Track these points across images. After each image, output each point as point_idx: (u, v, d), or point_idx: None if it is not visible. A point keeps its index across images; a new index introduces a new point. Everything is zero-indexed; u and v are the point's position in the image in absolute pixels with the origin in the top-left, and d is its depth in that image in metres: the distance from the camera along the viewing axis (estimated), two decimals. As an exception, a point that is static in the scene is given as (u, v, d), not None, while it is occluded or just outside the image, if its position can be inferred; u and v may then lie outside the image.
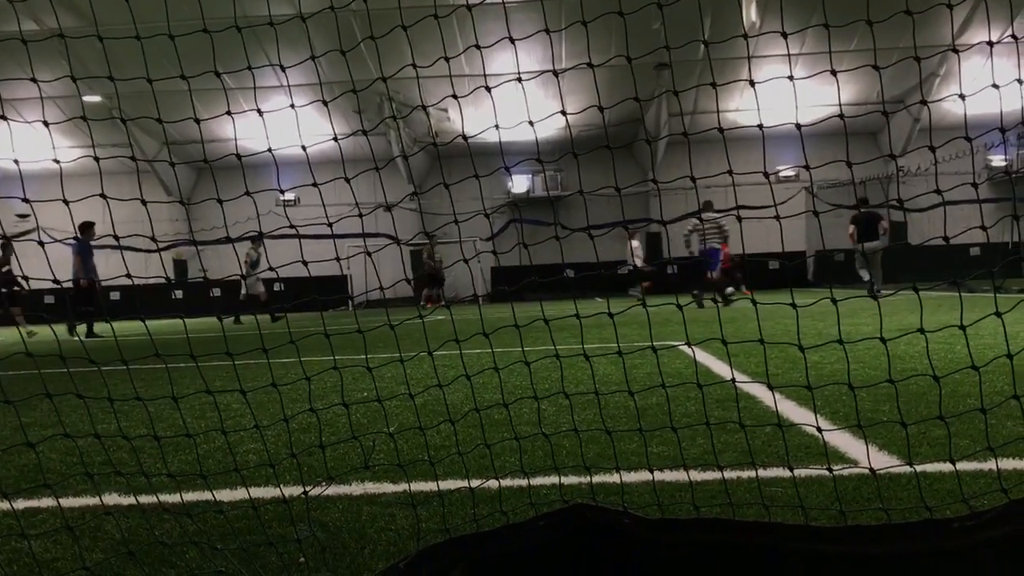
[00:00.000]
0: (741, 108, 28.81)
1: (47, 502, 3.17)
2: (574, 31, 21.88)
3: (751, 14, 21.62)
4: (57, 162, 2.35)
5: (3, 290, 16.73)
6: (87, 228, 16.58)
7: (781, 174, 30.05)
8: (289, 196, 30.54)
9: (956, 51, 2.18)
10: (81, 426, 4.89)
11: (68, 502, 3.17)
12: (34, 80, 2.27)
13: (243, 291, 21.26)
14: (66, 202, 2.27)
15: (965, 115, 2.16)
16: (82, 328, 15.77)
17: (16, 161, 2.46)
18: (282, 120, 24.23)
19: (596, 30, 23.81)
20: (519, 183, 32.30)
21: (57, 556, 2.53)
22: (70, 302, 16.62)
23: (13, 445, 3.29)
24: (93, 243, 14.92)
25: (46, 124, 2.22)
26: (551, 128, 28.54)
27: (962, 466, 2.98)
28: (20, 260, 2.02)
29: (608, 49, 23.60)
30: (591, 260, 28.98)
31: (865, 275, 16.62)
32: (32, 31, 21.48)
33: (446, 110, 26.42)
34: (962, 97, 1.96)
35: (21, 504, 3.15)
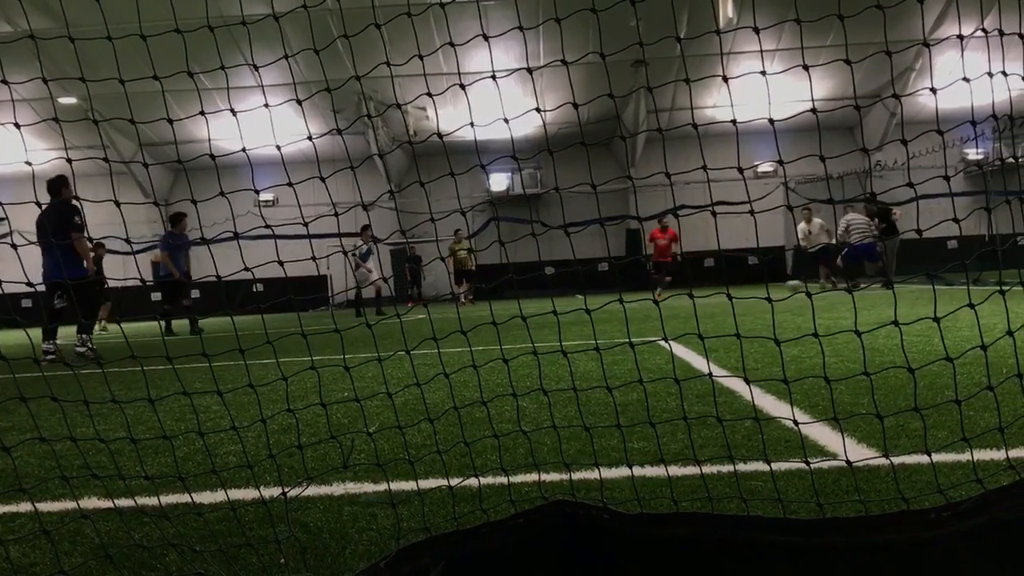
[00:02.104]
0: (719, 104, 28.93)
1: (24, 507, 3.14)
2: (551, 29, 21.92)
3: (727, 10, 21.69)
4: (29, 164, 2.33)
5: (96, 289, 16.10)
6: (178, 220, 15.62)
7: (759, 169, 30.21)
8: (267, 197, 30.42)
9: (927, 45, 2.19)
10: (58, 430, 4.85)
11: (45, 506, 3.15)
12: (5, 82, 2.25)
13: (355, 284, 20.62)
14: (39, 204, 2.25)
15: (936, 109, 2.17)
16: (174, 324, 15.18)
17: (-12, 163, 2.44)
18: (260, 120, 24.12)
19: (573, 28, 23.83)
20: (498, 181, 32.31)
21: (35, 561, 2.52)
22: (162, 300, 15.82)
23: (-11, 450, 3.26)
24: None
25: (18, 126, 2.20)
26: (530, 126, 28.55)
27: (938, 457, 3.01)
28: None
29: (586, 47, 23.63)
30: (570, 257, 29.03)
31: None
32: (4, 32, 21.31)
33: (424, 108, 26.40)
34: (933, 91, 1.98)
35: (-2, 509, 3.13)
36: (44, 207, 10.18)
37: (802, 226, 20.36)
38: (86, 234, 11.08)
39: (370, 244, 19.87)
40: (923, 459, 2.92)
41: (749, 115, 25.03)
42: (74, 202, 9.88)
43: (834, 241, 19.13)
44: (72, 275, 9.72)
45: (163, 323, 14.97)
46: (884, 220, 17.79)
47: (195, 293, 29.32)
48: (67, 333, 14.43)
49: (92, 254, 14.59)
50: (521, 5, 22.58)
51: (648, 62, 22.92)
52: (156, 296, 30.02)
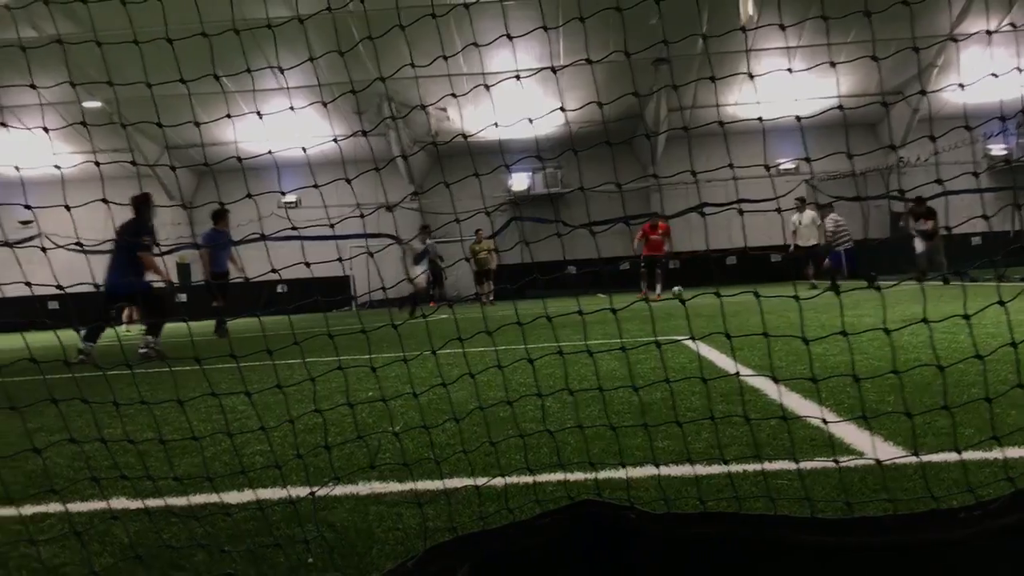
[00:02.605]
0: (740, 102, 28.80)
1: (54, 507, 3.17)
2: (571, 27, 21.88)
3: (748, 7, 21.60)
4: (58, 168, 2.36)
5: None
6: (221, 216, 14.84)
7: (781, 167, 30.05)
8: (290, 198, 30.57)
9: (955, 40, 2.17)
10: (87, 431, 4.89)
11: (75, 507, 3.17)
12: (33, 87, 2.27)
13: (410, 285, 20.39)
14: (68, 208, 2.27)
15: (964, 105, 2.16)
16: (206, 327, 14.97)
17: (17, 168, 2.46)
18: (282, 122, 24.25)
19: (593, 26, 23.80)
20: (519, 181, 32.30)
21: (65, 561, 2.54)
22: (214, 299, 15.56)
23: (20, 451, 3.30)
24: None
25: (46, 130, 2.22)
26: (550, 125, 28.54)
27: (967, 455, 2.98)
28: (23, 266, 2.03)
29: (606, 45, 23.59)
30: (592, 256, 28.99)
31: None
32: (30, 37, 21.50)
33: (445, 109, 26.43)
34: (961, 87, 1.96)
35: (28, 510, 3.15)
36: (125, 222, 10.65)
37: (794, 217, 20.06)
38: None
39: (426, 245, 19.80)
40: (950, 457, 2.90)
41: (771, 112, 24.92)
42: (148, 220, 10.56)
43: (822, 242, 19.04)
44: (138, 287, 10.24)
45: (217, 323, 14.71)
46: (931, 219, 17.53)
47: (182, 297, 29.52)
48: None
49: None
50: (539, 5, 22.57)
51: (669, 60, 22.87)
52: (182, 297, 30.14)
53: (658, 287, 19.38)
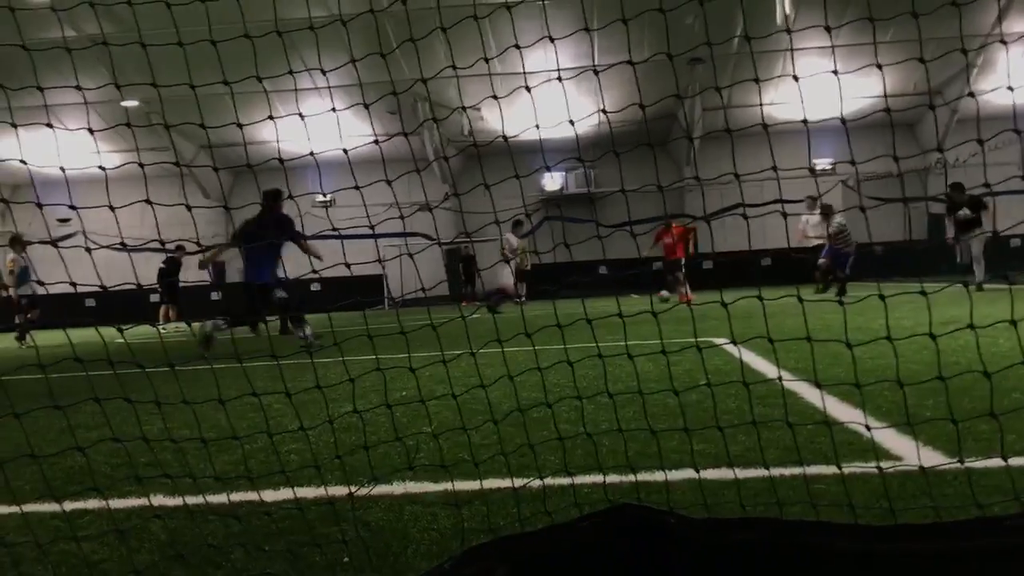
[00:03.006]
0: (775, 102, 28.59)
1: (95, 504, 3.21)
2: (607, 28, 21.82)
3: (786, 7, 21.42)
4: (103, 168, 2.38)
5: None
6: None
7: (817, 167, 29.80)
8: (324, 197, 30.74)
9: (1004, 42, 2.14)
10: (128, 429, 4.94)
11: (116, 504, 3.21)
12: (79, 88, 2.29)
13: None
14: (112, 208, 2.29)
15: (1014, 106, 2.12)
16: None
17: (62, 168, 2.49)
18: (316, 123, 24.35)
19: (629, 25, 23.69)
20: (553, 181, 32.27)
21: (105, 558, 2.56)
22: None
23: (62, 449, 3.33)
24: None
25: (91, 131, 2.25)
26: (584, 125, 28.49)
27: (1012, 462, 2.93)
28: (67, 265, 2.05)
29: (640, 44, 23.50)
30: (625, 257, 28.88)
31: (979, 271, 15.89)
32: (72, 37, 21.77)
33: (479, 110, 26.45)
34: (1010, 88, 1.93)
35: (70, 506, 3.19)
36: (258, 218, 10.87)
37: (804, 217, 19.55)
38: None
39: (519, 241, 19.76)
40: (993, 463, 2.85)
41: (808, 113, 24.71)
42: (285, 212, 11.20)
43: (826, 242, 18.32)
44: (265, 280, 10.53)
45: (283, 320, 14.44)
46: (974, 210, 15.61)
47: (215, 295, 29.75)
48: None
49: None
50: (575, 4, 22.54)
51: (705, 60, 22.74)
52: (216, 295, 30.33)
53: (684, 288, 18.70)
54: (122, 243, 2.28)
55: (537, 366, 2.56)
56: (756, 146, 25.97)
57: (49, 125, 2.31)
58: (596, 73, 2.23)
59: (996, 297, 12.27)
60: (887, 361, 5.44)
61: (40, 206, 2.14)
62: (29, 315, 16.69)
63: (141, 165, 2.24)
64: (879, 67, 1.94)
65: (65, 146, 25.55)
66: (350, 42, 3.15)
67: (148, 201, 2.23)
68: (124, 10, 2.47)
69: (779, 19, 20.71)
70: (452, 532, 2.60)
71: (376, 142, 2.32)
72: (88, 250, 2.25)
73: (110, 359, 2.26)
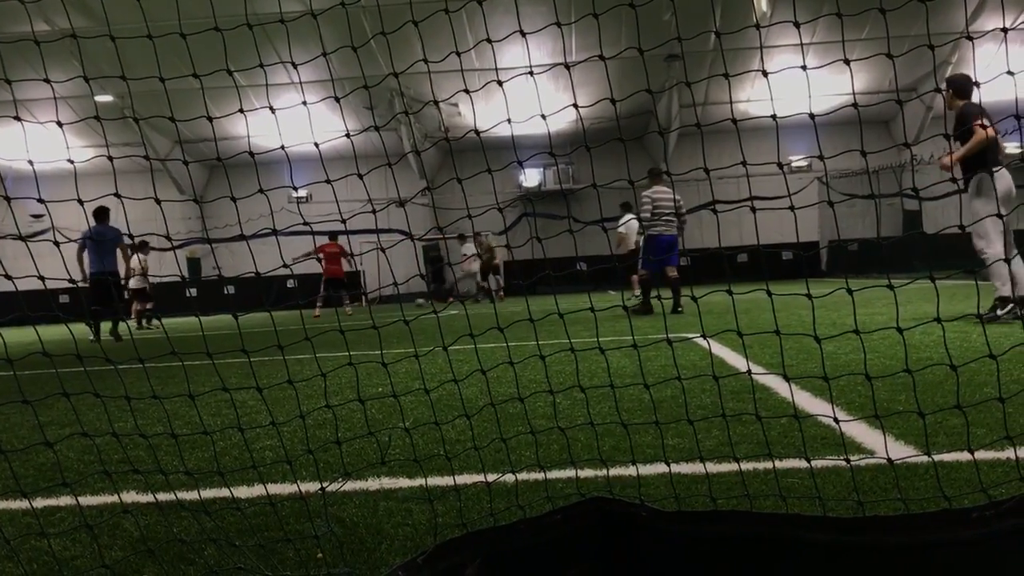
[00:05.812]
0: (752, 99, 28.73)
1: (66, 500, 3.18)
2: (583, 22, 21.83)
3: (762, 4, 21.52)
4: (71, 162, 2.36)
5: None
6: (102, 214, 14.17)
7: (793, 164, 29.97)
8: (301, 193, 30.62)
9: (970, 38, 2.16)
10: (98, 424, 4.91)
11: (86, 500, 3.18)
12: (47, 80, 2.27)
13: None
14: (81, 202, 2.28)
15: (980, 103, 2.14)
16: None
17: (31, 162, 2.47)
18: (293, 117, 24.25)
19: (605, 22, 23.71)
20: (531, 177, 32.31)
21: (76, 554, 2.55)
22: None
23: (31, 444, 3.31)
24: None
25: (60, 125, 2.22)
26: (562, 121, 28.52)
27: (980, 455, 2.96)
28: (36, 260, 2.03)
29: (618, 41, 23.53)
30: (603, 253, 28.95)
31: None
32: (43, 31, 21.56)
33: (456, 104, 26.42)
34: (977, 85, 1.95)
35: (40, 503, 3.17)
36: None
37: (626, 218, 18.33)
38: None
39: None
40: (962, 456, 2.88)
41: (783, 109, 24.85)
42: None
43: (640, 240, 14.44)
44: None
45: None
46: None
47: (230, 289, 29.59)
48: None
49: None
50: (550, 1, 22.53)
51: (679, 57, 22.78)
52: (192, 292, 30.14)
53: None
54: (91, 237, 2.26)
55: (510, 360, 2.56)
56: (735, 144, 26.11)
57: (17, 118, 2.28)
58: (568, 68, 2.23)
59: (970, 293, 12.39)
60: (861, 356, 5.49)
61: (8, 199, 2.12)
62: None
63: (111, 159, 2.22)
64: (847, 63, 1.95)
65: (38, 141, 25.33)
66: (321, 36, 3.13)
67: (117, 195, 2.22)
68: (96, 4, 2.45)
69: (757, 16, 20.81)
70: (426, 527, 2.60)
71: (348, 136, 2.31)
72: (57, 244, 2.23)
73: (79, 354, 2.24)
